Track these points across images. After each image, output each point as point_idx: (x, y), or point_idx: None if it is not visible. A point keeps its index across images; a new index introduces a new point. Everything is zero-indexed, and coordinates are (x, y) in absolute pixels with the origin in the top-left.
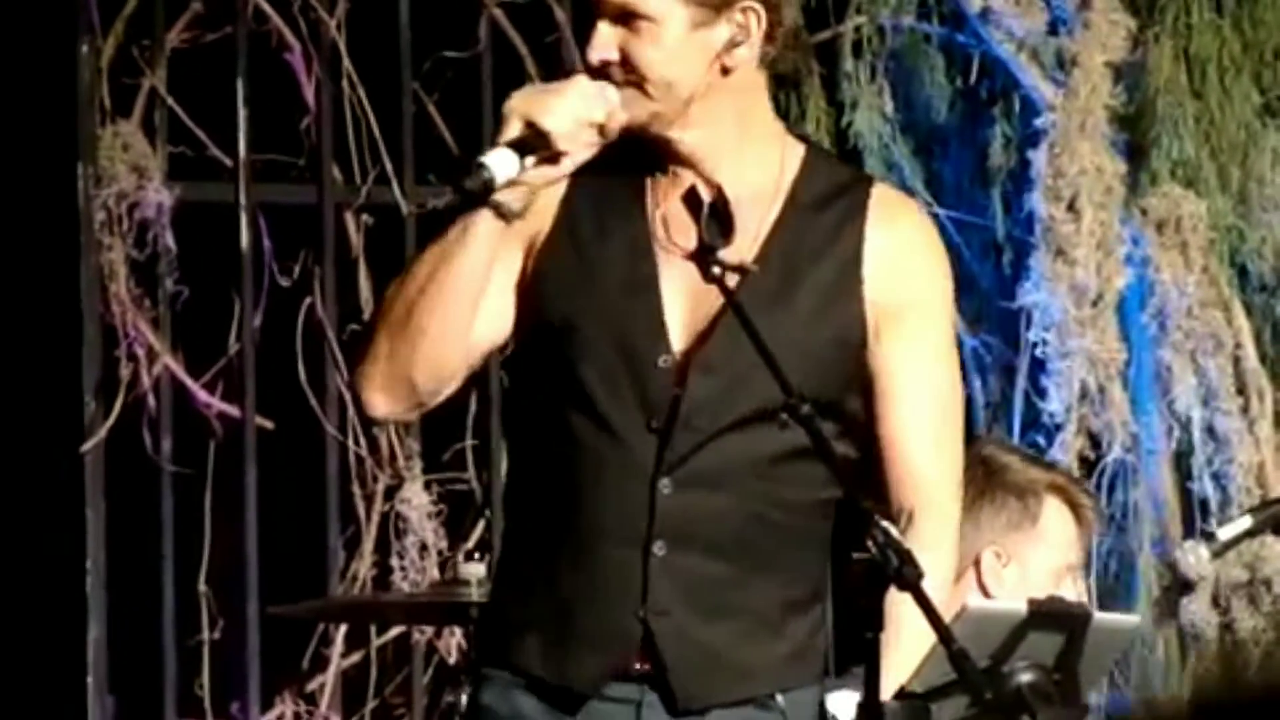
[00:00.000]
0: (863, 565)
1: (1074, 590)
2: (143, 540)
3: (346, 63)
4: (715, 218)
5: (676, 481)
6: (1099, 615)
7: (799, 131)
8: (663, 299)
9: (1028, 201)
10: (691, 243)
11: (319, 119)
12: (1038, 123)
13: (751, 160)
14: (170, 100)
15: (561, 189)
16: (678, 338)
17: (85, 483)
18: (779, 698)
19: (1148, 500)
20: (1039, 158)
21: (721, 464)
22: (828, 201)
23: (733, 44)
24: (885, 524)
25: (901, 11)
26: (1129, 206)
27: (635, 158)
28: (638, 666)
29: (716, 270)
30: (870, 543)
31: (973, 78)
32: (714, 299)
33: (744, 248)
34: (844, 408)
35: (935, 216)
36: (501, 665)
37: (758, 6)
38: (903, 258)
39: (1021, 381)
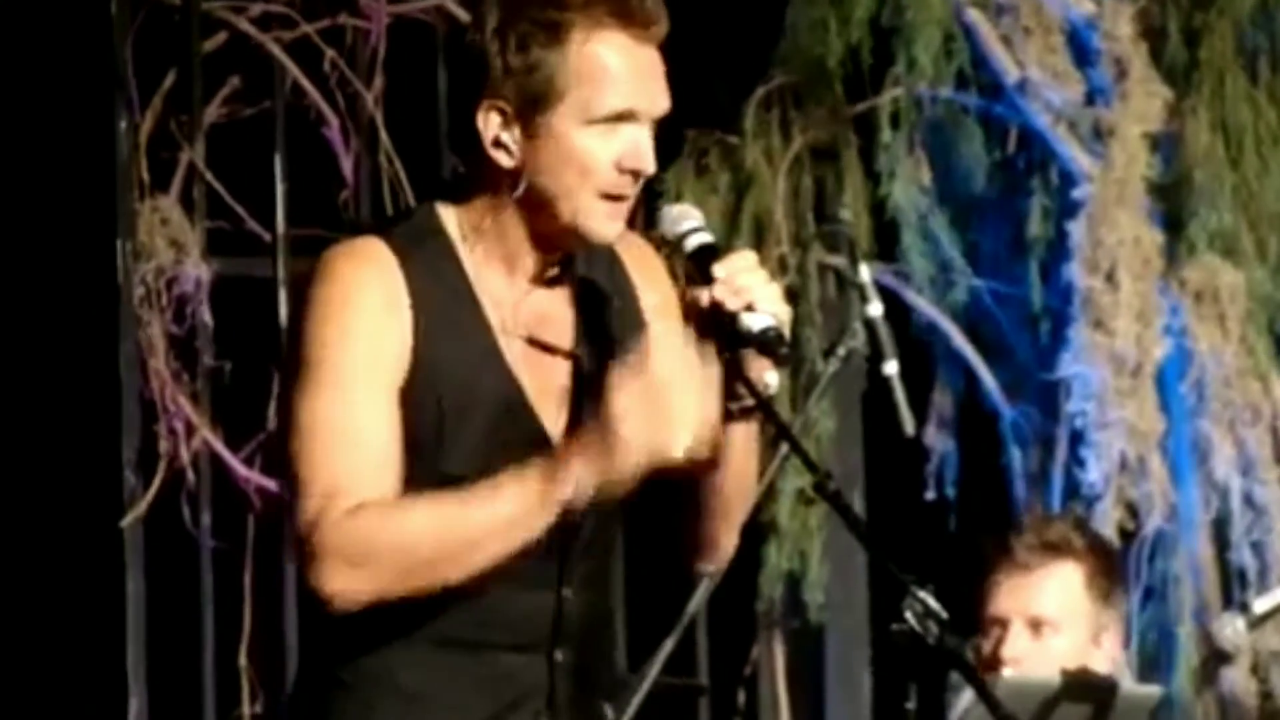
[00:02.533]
0: (903, 636)
1: None
2: (183, 615)
3: (384, 136)
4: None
5: (575, 589)
6: (1125, 686)
7: None
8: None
9: (1066, 272)
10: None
11: (357, 192)
12: (1075, 194)
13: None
14: (209, 175)
15: (407, 312)
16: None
17: (125, 557)
18: None
19: (1187, 570)
20: (1077, 228)
21: (598, 563)
22: (589, 260)
23: None
24: (923, 594)
25: (939, 83)
26: (1167, 277)
27: (457, 265)
28: None
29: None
30: (909, 614)
31: (1010, 149)
32: (560, 383)
33: (564, 330)
34: None
35: (974, 288)
36: None
37: None
38: (653, 274)
39: (1061, 452)
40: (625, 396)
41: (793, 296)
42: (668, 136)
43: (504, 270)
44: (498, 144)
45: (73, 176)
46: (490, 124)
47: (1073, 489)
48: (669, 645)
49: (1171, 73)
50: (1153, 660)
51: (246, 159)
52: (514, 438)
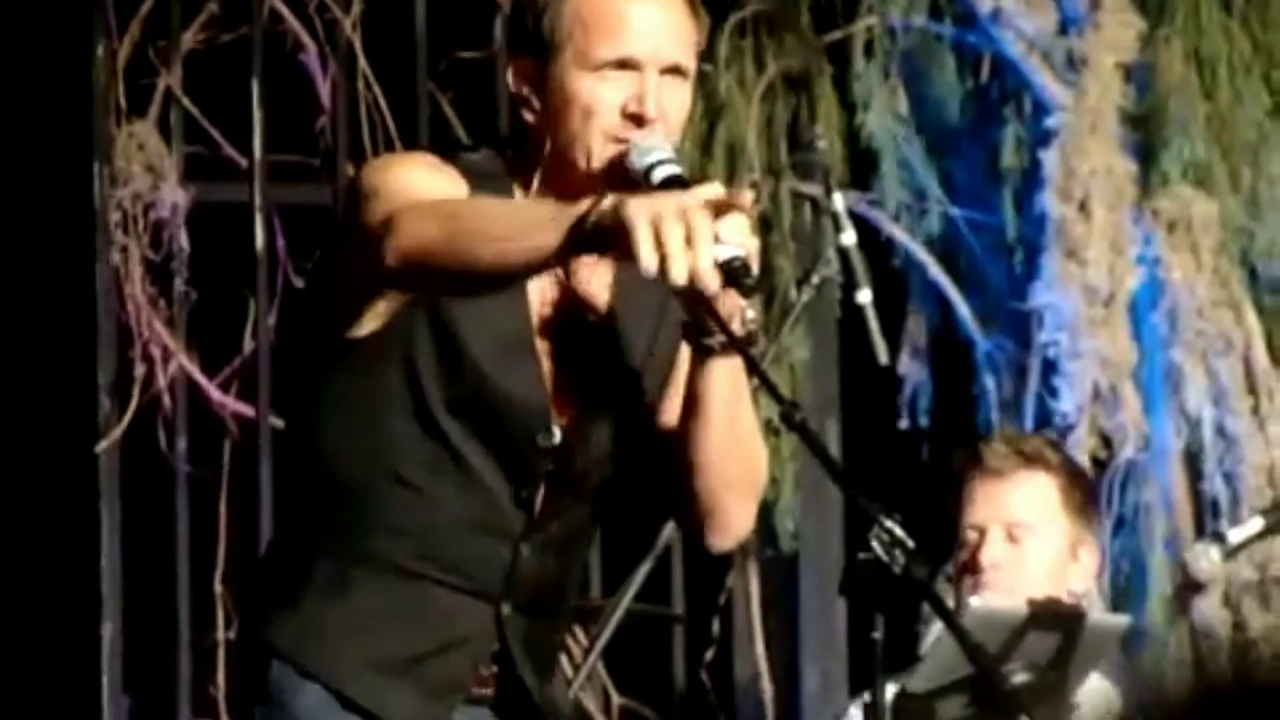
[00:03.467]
0: (869, 566)
1: None
2: (158, 540)
3: (362, 63)
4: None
5: (533, 547)
6: (1093, 615)
7: None
8: (544, 372)
9: (1039, 202)
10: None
11: (334, 119)
12: (1049, 123)
13: None
14: (186, 100)
15: None
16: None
17: (100, 482)
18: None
19: (1159, 500)
20: (1050, 158)
21: (567, 536)
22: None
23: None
24: (890, 523)
25: (912, 12)
26: (1140, 207)
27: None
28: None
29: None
30: (875, 542)
31: (984, 78)
32: (575, 364)
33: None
34: None
35: (949, 216)
36: (313, 678)
37: None
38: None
39: (1033, 382)
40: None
41: (766, 225)
42: None
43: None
44: (521, 99)
45: (49, 101)
46: (514, 80)
47: (1045, 418)
48: (642, 573)
49: (1145, 2)
50: (1124, 590)
51: (224, 85)
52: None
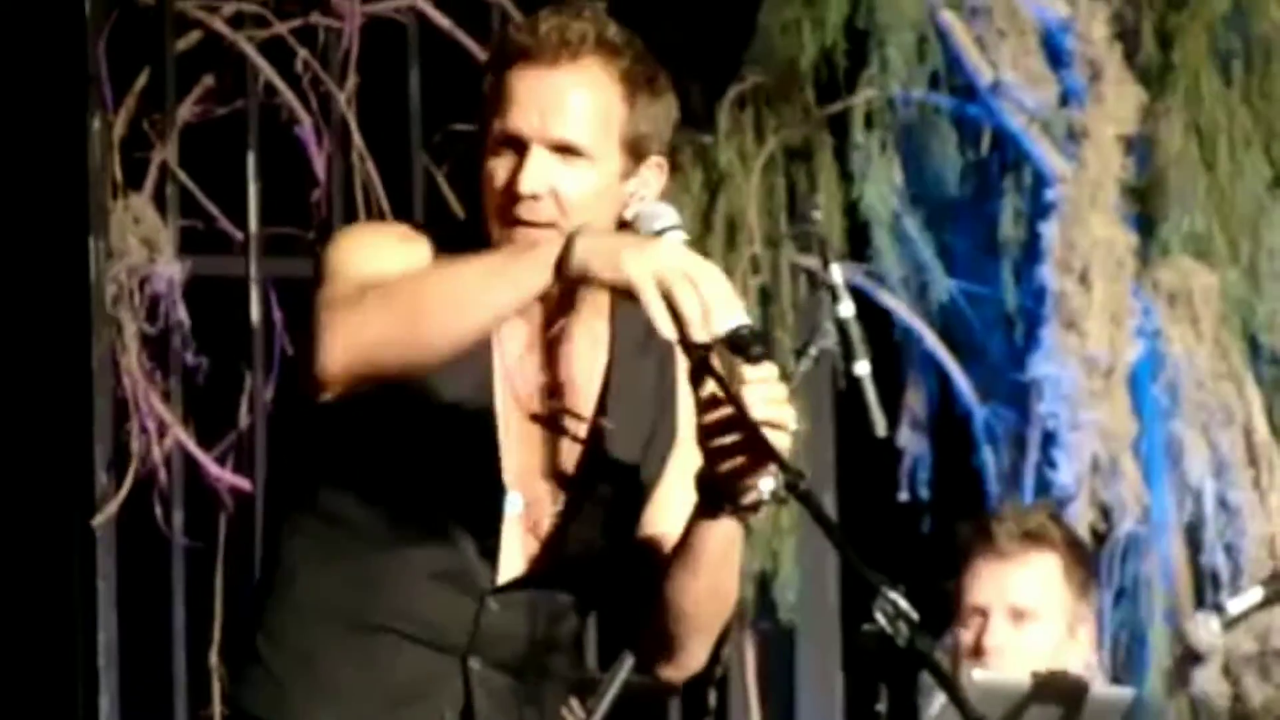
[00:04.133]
0: (873, 638)
1: None
2: (154, 614)
3: (356, 136)
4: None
5: (501, 602)
6: (1096, 689)
7: None
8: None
9: (1039, 273)
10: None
11: (329, 192)
12: (1049, 195)
13: (587, 307)
14: (181, 174)
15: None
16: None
17: (97, 556)
18: None
19: (1159, 572)
20: (1050, 230)
21: (548, 598)
22: (644, 345)
23: (635, 196)
24: (894, 595)
25: (912, 84)
26: (1140, 279)
27: None
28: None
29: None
30: (879, 614)
31: (984, 150)
32: (550, 447)
33: (584, 396)
34: None
35: (946, 289)
36: None
37: (664, 162)
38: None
39: (1033, 453)
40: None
41: (765, 297)
42: None
43: (522, 322)
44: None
45: (45, 175)
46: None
47: (1045, 490)
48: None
49: (1145, 74)
50: (1124, 662)
51: (219, 158)
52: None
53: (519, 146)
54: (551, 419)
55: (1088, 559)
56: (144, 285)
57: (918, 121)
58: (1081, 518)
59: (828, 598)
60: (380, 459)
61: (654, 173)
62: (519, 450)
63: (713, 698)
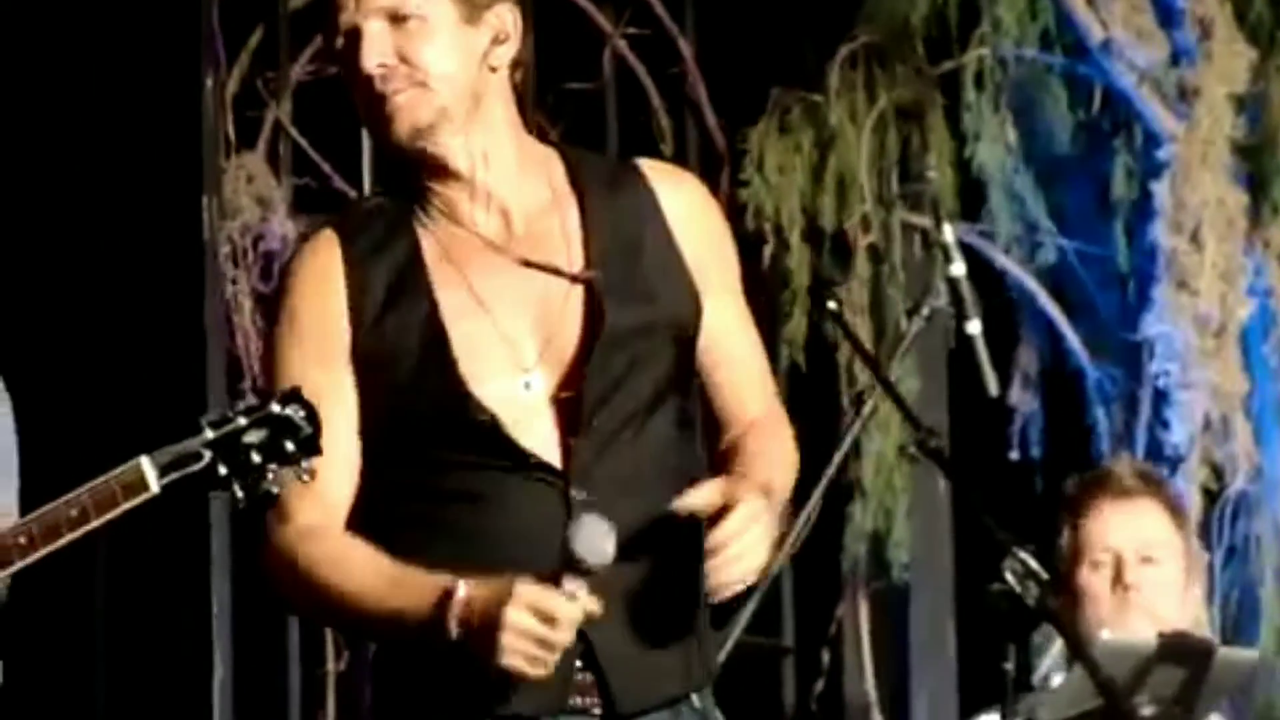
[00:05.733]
0: (1003, 596)
1: None
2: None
3: None
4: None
5: (589, 491)
6: (1222, 650)
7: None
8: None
9: (1150, 232)
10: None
11: None
12: (1160, 154)
13: (526, 170)
14: (294, 132)
15: (338, 291)
16: (532, 362)
17: (210, 518)
18: (694, 697)
19: (1270, 531)
20: (1161, 189)
21: (626, 469)
22: (612, 190)
23: (496, 41)
24: (1023, 554)
25: (1024, 43)
26: (1251, 237)
27: (392, 227)
28: (579, 679)
29: (833, 306)
30: (1009, 574)
31: (1095, 109)
32: (558, 316)
33: (559, 255)
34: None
35: (1059, 247)
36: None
37: (514, 6)
38: (701, 219)
39: (1144, 413)
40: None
41: (876, 255)
42: (752, 95)
43: (449, 216)
44: None
45: (159, 133)
46: None
47: (1156, 449)
48: (752, 605)
49: (1256, 33)
50: (1236, 621)
51: (333, 116)
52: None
53: (353, 39)
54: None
55: (1187, 514)
56: (257, 244)
57: (1029, 80)
58: (1193, 476)
59: (941, 557)
60: (405, 439)
61: (503, 17)
62: (520, 333)
63: (826, 657)
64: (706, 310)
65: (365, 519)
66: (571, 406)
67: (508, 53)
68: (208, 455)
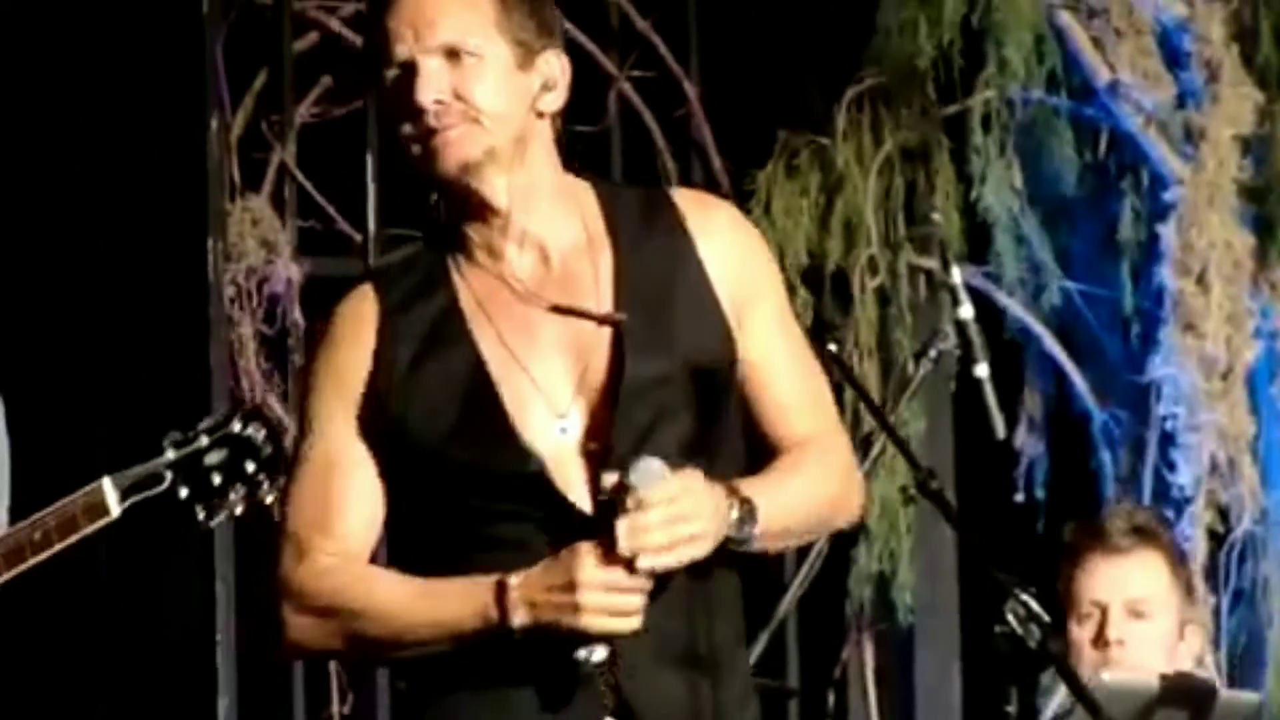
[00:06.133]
0: (1005, 639)
1: None
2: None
3: None
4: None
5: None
6: (1225, 692)
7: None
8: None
9: (1157, 275)
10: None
11: None
12: (1166, 196)
13: (561, 210)
14: (299, 175)
15: (370, 341)
16: (566, 407)
17: (215, 557)
18: None
19: (1277, 573)
20: (1168, 231)
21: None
22: (645, 229)
23: (545, 87)
24: (1025, 596)
25: (1030, 85)
26: (1258, 280)
27: (430, 275)
28: None
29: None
30: (1011, 616)
31: (1101, 151)
32: (588, 360)
33: (590, 298)
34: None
35: (1065, 290)
36: None
37: (562, 55)
38: (737, 250)
39: (1151, 455)
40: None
41: (884, 298)
42: (759, 137)
43: (485, 258)
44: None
45: (164, 176)
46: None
47: (1163, 491)
48: (759, 646)
49: (1263, 75)
50: (1242, 663)
51: (338, 159)
52: (493, 457)
53: (409, 73)
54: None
55: (1187, 562)
56: (262, 286)
57: (1035, 122)
58: (1199, 519)
59: (946, 599)
60: (437, 492)
61: (553, 63)
62: (555, 378)
63: (831, 699)
64: (746, 342)
65: (396, 566)
66: (602, 458)
67: (555, 100)
68: (169, 477)
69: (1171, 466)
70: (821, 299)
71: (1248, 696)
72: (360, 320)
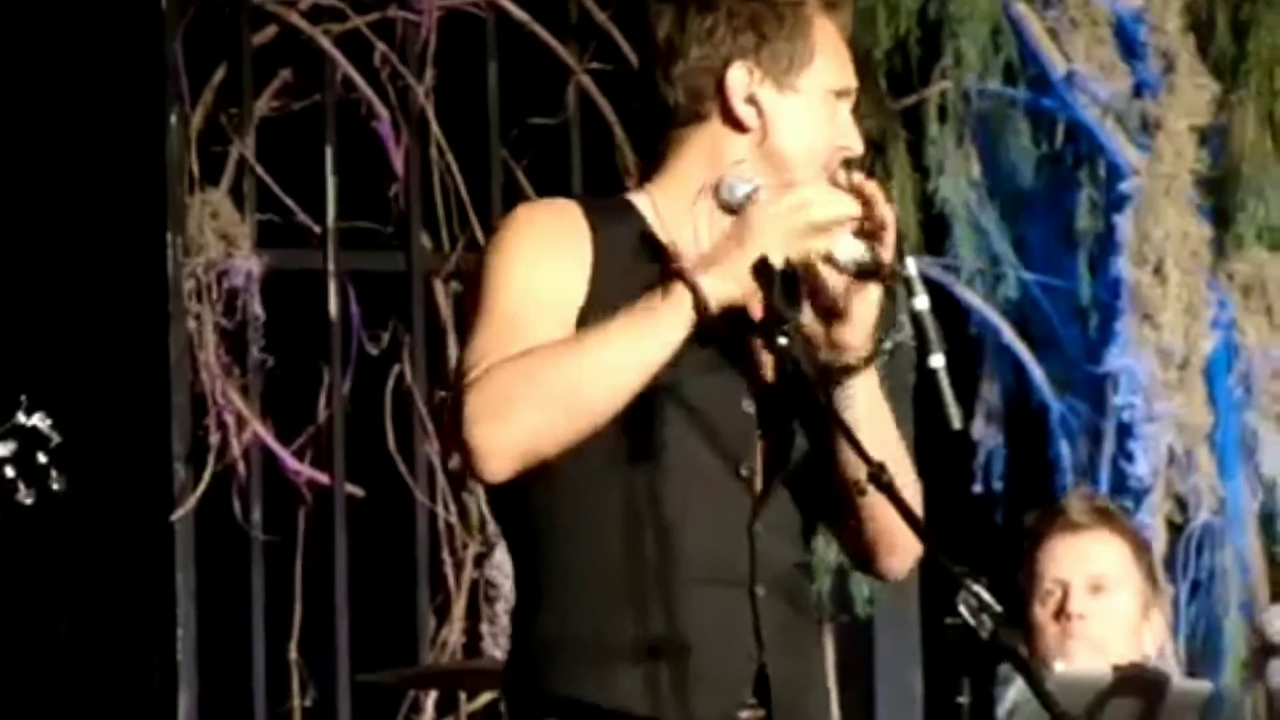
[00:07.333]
0: (957, 630)
1: None
2: (233, 608)
3: (435, 130)
4: (786, 286)
5: (766, 526)
6: (1178, 681)
7: None
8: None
9: (1114, 265)
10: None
11: (407, 186)
12: (1123, 187)
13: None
14: (259, 168)
15: (588, 255)
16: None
17: (175, 551)
18: None
19: (1234, 564)
20: (1125, 222)
21: (785, 511)
22: None
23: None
24: (977, 588)
25: (987, 76)
26: (1215, 270)
27: (645, 225)
28: (744, 713)
29: (783, 341)
30: (963, 608)
31: (1058, 142)
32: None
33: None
34: None
35: (1022, 281)
36: (580, 711)
37: None
38: None
39: (1108, 446)
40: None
41: None
42: None
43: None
44: (750, 100)
45: (123, 170)
46: (739, 82)
47: (1120, 482)
48: None
49: (1219, 66)
50: (1200, 654)
51: (297, 152)
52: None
53: (843, 99)
54: (770, 340)
55: (1150, 550)
56: (221, 280)
57: (991, 114)
58: (1157, 509)
59: (906, 592)
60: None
61: None
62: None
63: None
64: None
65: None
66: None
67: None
68: None
69: (1129, 457)
70: (773, 290)
71: (1200, 685)
72: (573, 228)
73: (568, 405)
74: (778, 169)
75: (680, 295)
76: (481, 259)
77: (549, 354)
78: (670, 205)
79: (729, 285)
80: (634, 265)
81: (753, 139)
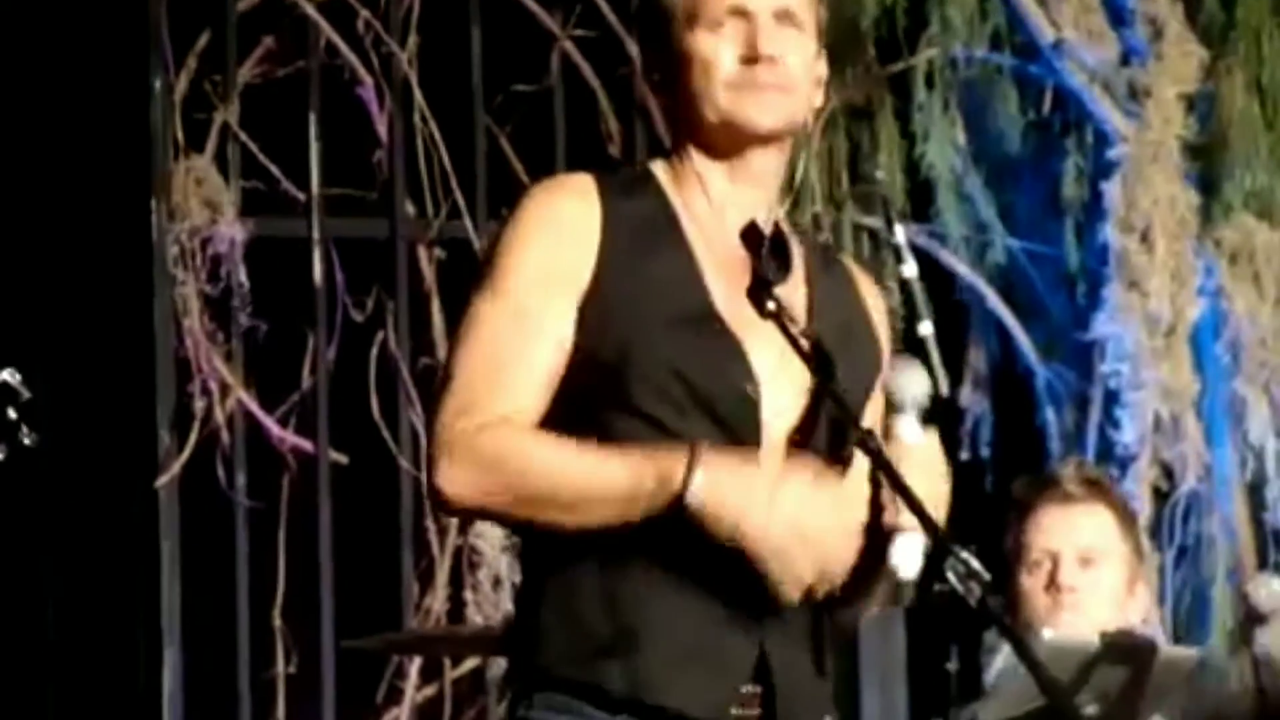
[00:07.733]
0: (945, 597)
1: None
2: (217, 574)
3: (418, 96)
4: (775, 252)
5: None
6: (1165, 649)
7: None
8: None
9: (1101, 233)
10: (738, 275)
11: (391, 153)
12: (1110, 154)
13: (774, 207)
14: (243, 135)
15: (596, 235)
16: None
17: (159, 517)
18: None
19: (1221, 531)
20: (1112, 189)
21: None
22: (823, 264)
23: (817, 83)
24: (965, 555)
25: (974, 43)
26: (1202, 237)
27: (661, 198)
28: (745, 690)
29: (772, 306)
30: (951, 574)
31: (1045, 109)
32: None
33: (791, 291)
34: None
35: (1009, 248)
36: (577, 689)
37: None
38: (882, 319)
39: (1095, 413)
40: (801, 494)
41: None
42: None
43: (716, 223)
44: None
45: (107, 137)
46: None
47: (1107, 449)
48: None
49: (1207, 32)
50: (1187, 621)
51: (281, 119)
52: (708, 360)
53: (741, 20)
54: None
55: (1136, 523)
56: (206, 246)
57: (979, 81)
58: (1144, 477)
59: None
60: (615, 397)
61: (823, 66)
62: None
63: None
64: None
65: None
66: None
67: (818, 99)
68: None
69: (1116, 424)
70: (761, 257)
71: (1188, 652)
72: (582, 210)
73: (539, 508)
74: (696, 122)
75: (669, 482)
76: (499, 232)
77: (544, 456)
78: (682, 170)
79: (716, 521)
80: (643, 241)
81: (672, 114)
